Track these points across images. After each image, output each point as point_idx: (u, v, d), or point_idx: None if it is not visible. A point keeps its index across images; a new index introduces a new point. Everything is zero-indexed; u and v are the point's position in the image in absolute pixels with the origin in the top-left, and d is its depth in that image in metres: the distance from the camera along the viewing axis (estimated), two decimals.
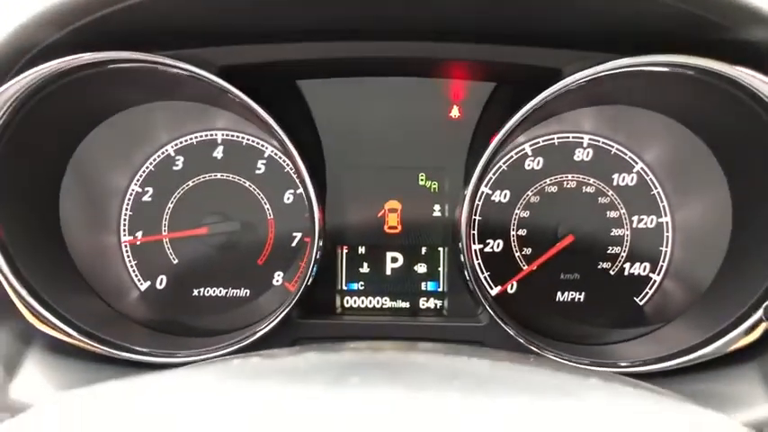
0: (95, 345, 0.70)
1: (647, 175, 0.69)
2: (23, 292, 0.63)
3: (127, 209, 0.72)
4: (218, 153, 0.71)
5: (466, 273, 0.70)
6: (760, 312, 0.60)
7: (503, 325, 0.70)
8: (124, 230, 0.72)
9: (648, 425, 0.39)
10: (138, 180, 0.71)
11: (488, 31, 0.61)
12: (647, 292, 0.70)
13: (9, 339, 0.65)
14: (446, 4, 0.51)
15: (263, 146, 0.70)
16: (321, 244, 0.66)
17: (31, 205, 0.69)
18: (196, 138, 0.71)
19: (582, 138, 0.68)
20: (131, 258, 0.71)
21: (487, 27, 0.59)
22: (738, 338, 0.62)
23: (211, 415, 0.37)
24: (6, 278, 0.66)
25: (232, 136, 0.71)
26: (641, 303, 0.70)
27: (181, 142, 0.72)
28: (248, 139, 0.71)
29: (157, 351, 0.65)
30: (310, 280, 0.65)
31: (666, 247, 0.70)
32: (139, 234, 0.72)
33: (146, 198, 0.72)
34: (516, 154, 0.69)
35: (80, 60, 0.63)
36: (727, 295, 0.64)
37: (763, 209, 0.65)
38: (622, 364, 0.63)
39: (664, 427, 0.39)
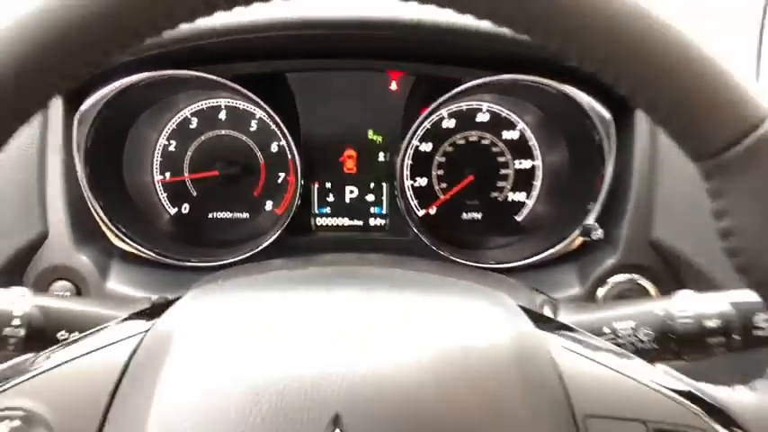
0: (149, 253, 0.84)
1: (526, 132, 0.89)
2: (105, 219, 0.80)
3: (157, 156, 0.89)
4: (222, 115, 0.89)
5: (398, 201, 0.88)
6: (578, 231, 0.80)
7: (423, 238, 0.86)
8: (157, 171, 0.90)
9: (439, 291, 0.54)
10: (165, 135, 0.89)
11: (412, 54, 0.81)
12: (523, 212, 0.92)
13: (98, 253, 0.81)
14: (382, 41, 0.72)
15: (254, 110, 0.89)
16: (301, 182, 0.85)
17: (108, 161, 0.85)
18: (206, 104, 0.88)
19: (482, 105, 0.88)
20: (162, 191, 0.90)
21: (411, 52, 0.80)
22: (568, 246, 0.81)
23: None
24: (95, 210, 0.81)
25: (232, 104, 0.89)
26: (519, 220, 0.92)
27: (195, 108, 0.89)
28: (244, 106, 0.89)
29: (188, 257, 0.84)
30: (294, 207, 0.86)
31: (536, 181, 0.90)
32: (167, 174, 0.90)
33: (171, 148, 0.89)
34: (437, 117, 0.89)
35: (163, 75, 0.80)
36: (567, 217, 0.84)
37: (582, 164, 0.85)
38: (502, 263, 0.83)
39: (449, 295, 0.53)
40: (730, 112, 0.41)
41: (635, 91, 0.44)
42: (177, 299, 0.52)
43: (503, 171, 0.93)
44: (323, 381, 0.43)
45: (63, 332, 0.62)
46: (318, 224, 0.94)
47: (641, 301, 0.66)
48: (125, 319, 0.52)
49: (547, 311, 0.67)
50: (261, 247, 0.85)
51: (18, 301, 0.62)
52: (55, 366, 0.46)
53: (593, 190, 0.83)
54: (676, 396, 0.45)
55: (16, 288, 0.64)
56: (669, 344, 0.61)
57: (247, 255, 0.85)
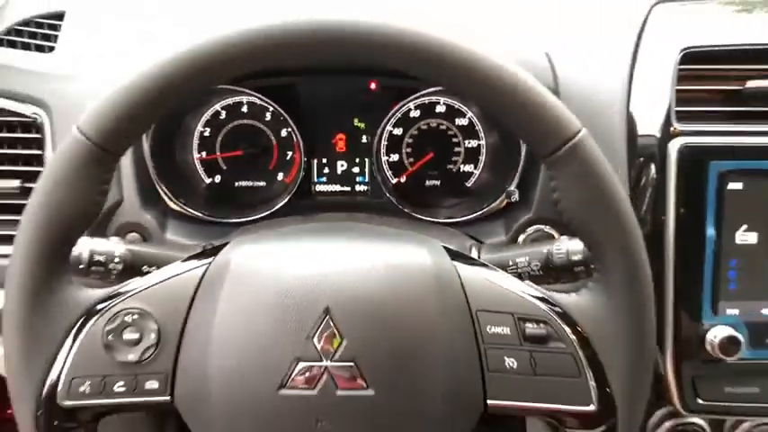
0: (192, 212, 0.97)
1: (473, 119, 1.00)
2: (163, 187, 0.94)
3: (196, 140, 1.02)
4: (245, 109, 0.99)
5: (376, 172, 1.01)
6: (504, 195, 0.94)
7: (393, 200, 0.99)
8: (195, 151, 1.03)
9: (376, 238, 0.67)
10: (201, 123, 1.02)
11: (384, 73, 0.93)
12: (472, 180, 1.04)
13: (158, 213, 0.92)
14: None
15: (268, 106, 1.00)
16: (304, 159, 1.01)
17: (164, 145, 0.98)
18: (232, 101, 1.01)
19: (439, 99, 0.99)
20: (200, 166, 1.03)
21: (382, 72, 0.92)
22: (496, 206, 0.96)
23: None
24: (156, 181, 0.93)
25: (252, 101, 1.00)
26: (469, 186, 1.04)
27: (224, 103, 1.00)
28: (261, 103, 1.00)
29: (220, 215, 0.98)
30: (299, 178, 1.01)
31: (481, 156, 1.03)
32: (204, 153, 1.03)
33: (206, 134, 1.03)
34: (405, 108, 1.00)
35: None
36: (500, 184, 0.97)
37: (510, 144, 0.96)
38: (454, 217, 0.97)
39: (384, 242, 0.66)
40: (554, 129, 0.57)
41: (493, 114, 0.61)
42: (225, 244, 0.65)
43: (456, 149, 1.04)
44: (318, 287, 0.59)
45: (145, 267, 0.76)
46: (317, 190, 1.06)
47: (536, 244, 0.79)
48: (192, 256, 0.65)
49: (474, 252, 0.83)
50: (275, 208, 0.99)
51: (116, 246, 0.77)
52: (155, 284, 0.61)
53: (515, 163, 0.94)
54: (534, 300, 0.61)
55: (113, 237, 0.79)
56: (550, 272, 0.75)
57: (265, 213, 0.98)
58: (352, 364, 0.57)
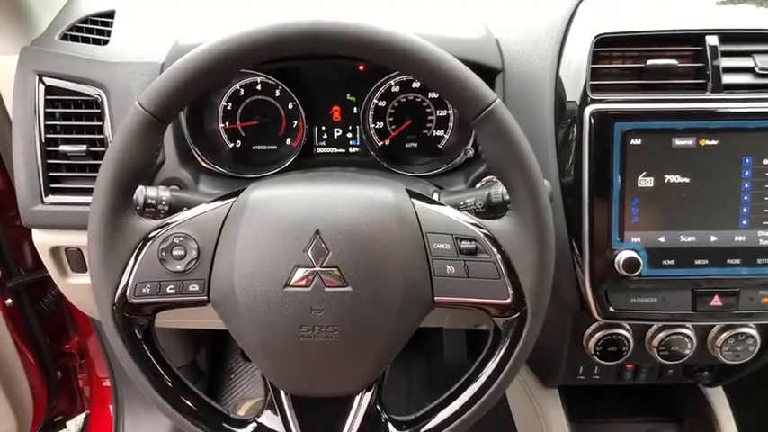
0: (219, 169, 1.08)
1: None
2: (197, 150, 1.05)
3: (220, 112, 1.12)
4: (258, 87, 1.11)
5: (365, 137, 1.12)
6: (462, 153, 1.07)
7: (378, 159, 1.10)
8: (220, 121, 1.13)
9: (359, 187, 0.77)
10: (224, 98, 1.12)
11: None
12: (443, 143, 1.15)
13: (192, 170, 1.03)
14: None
15: (277, 84, 1.11)
16: (306, 126, 1.10)
17: (196, 116, 1.10)
18: (249, 80, 1.10)
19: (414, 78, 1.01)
20: (225, 134, 1.14)
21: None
22: (458, 162, 1.09)
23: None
24: (191, 145, 1.04)
25: (265, 80, 1.11)
26: (440, 147, 1.15)
27: (242, 82, 1.12)
28: (272, 82, 1.11)
29: (241, 172, 1.08)
30: (303, 142, 1.11)
31: (450, 123, 1.14)
32: (227, 123, 1.12)
33: (228, 107, 1.12)
34: (387, 85, 1.11)
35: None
36: (462, 144, 1.09)
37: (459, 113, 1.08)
38: (426, 172, 1.09)
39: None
40: (475, 99, 0.69)
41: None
42: (244, 188, 0.76)
43: (429, 117, 1.15)
44: (311, 215, 0.70)
45: (185, 208, 0.85)
46: (318, 152, 1.16)
47: (481, 189, 0.91)
48: (221, 197, 0.76)
49: (435, 195, 0.96)
50: (284, 166, 1.09)
51: (163, 193, 0.88)
52: (195, 216, 0.73)
53: (469, 131, 1.07)
54: (468, 224, 0.74)
55: (161, 186, 0.92)
56: (490, 209, 0.87)
57: (276, 170, 1.09)
58: (336, 269, 0.70)
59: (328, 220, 0.71)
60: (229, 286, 0.71)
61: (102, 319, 0.74)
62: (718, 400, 1.24)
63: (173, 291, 0.73)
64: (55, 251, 1.09)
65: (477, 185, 1.03)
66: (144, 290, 0.73)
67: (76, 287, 1.11)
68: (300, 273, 0.71)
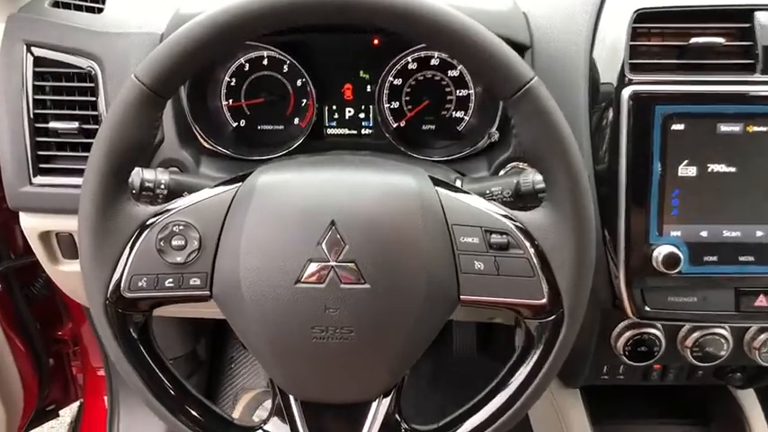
0: (223, 150, 1.04)
1: (463, 71, 1.07)
2: (198, 129, 1.00)
3: (224, 89, 1.08)
4: (265, 62, 1.07)
5: (380, 116, 1.07)
6: (486, 136, 1.01)
7: (393, 142, 1.05)
8: (223, 98, 1.09)
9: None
10: (228, 74, 1.08)
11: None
12: (462, 124, 1.10)
13: (193, 150, 1.00)
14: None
15: (285, 59, 1.05)
16: (316, 105, 1.06)
17: (197, 93, 1.05)
18: (254, 55, 1.07)
19: (434, 54, 1.04)
20: (228, 112, 1.09)
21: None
22: (480, 146, 1.02)
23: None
24: (192, 123, 1.00)
25: (272, 54, 1.07)
26: (459, 130, 1.10)
27: (247, 57, 1.07)
28: (279, 56, 1.05)
29: (245, 154, 1.04)
30: (313, 122, 1.07)
31: (471, 104, 1.08)
32: (230, 100, 1.09)
33: (232, 83, 1.08)
34: (404, 62, 1.06)
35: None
36: (484, 127, 1.04)
37: (487, 92, 1.05)
38: (445, 157, 1.03)
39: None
40: (512, 76, 0.65)
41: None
42: (251, 172, 0.72)
43: (449, 97, 1.09)
44: (326, 203, 0.67)
45: (185, 192, 0.77)
46: (328, 133, 1.12)
47: (509, 175, 0.89)
48: (225, 182, 0.72)
49: (458, 183, 0.91)
50: (292, 148, 1.05)
51: (162, 175, 0.85)
52: (197, 201, 0.70)
53: (496, 110, 1.00)
54: (498, 216, 0.70)
55: (160, 168, 0.88)
56: (519, 199, 0.84)
57: (283, 153, 1.05)
58: (353, 264, 0.67)
59: (345, 209, 0.68)
60: (234, 281, 0.68)
61: (93, 315, 0.71)
62: (749, 401, 1.19)
63: (171, 285, 0.70)
64: (45, 236, 1.05)
65: (501, 172, 0.99)
66: (140, 283, 0.70)
67: (68, 275, 1.08)
68: (313, 267, 0.67)
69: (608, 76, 0.92)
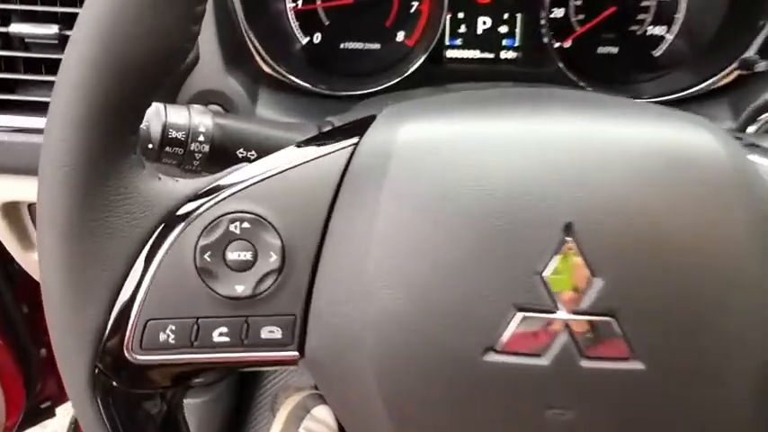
0: (295, 80, 0.85)
1: None
2: (257, 43, 0.81)
3: None
4: None
5: (533, 31, 0.87)
6: (736, 64, 0.80)
7: (565, 71, 0.86)
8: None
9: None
10: None
11: None
12: (662, 47, 0.90)
13: (247, 78, 0.82)
14: None
15: None
16: (436, 13, 0.86)
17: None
18: None
19: None
20: (296, 21, 0.90)
21: None
22: (721, 80, 0.81)
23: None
24: (248, 35, 0.81)
25: None
26: (657, 55, 0.90)
27: None
28: None
29: (323, 86, 0.86)
30: (430, 39, 0.87)
31: (679, 14, 0.88)
32: (299, 2, 0.90)
33: None
34: None
35: None
36: (719, 50, 0.84)
37: None
38: (644, 97, 0.85)
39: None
40: None
41: None
42: (370, 118, 0.51)
43: (645, 2, 0.89)
44: (553, 192, 0.44)
45: (241, 150, 0.63)
46: (449, 56, 0.92)
47: None
48: (318, 138, 0.51)
49: None
50: (394, 81, 0.86)
51: (200, 118, 0.62)
52: (273, 175, 0.48)
53: (752, 22, 0.79)
54: None
55: (195, 105, 0.64)
56: None
57: (384, 86, 0.86)
58: (609, 318, 0.43)
59: (590, 202, 0.43)
60: (353, 335, 0.46)
61: (73, 401, 0.48)
62: None
63: (225, 339, 0.47)
64: (10, 209, 0.86)
65: (750, 128, 0.79)
66: (163, 336, 0.46)
67: None
68: (525, 322, 0.43)
69: None
